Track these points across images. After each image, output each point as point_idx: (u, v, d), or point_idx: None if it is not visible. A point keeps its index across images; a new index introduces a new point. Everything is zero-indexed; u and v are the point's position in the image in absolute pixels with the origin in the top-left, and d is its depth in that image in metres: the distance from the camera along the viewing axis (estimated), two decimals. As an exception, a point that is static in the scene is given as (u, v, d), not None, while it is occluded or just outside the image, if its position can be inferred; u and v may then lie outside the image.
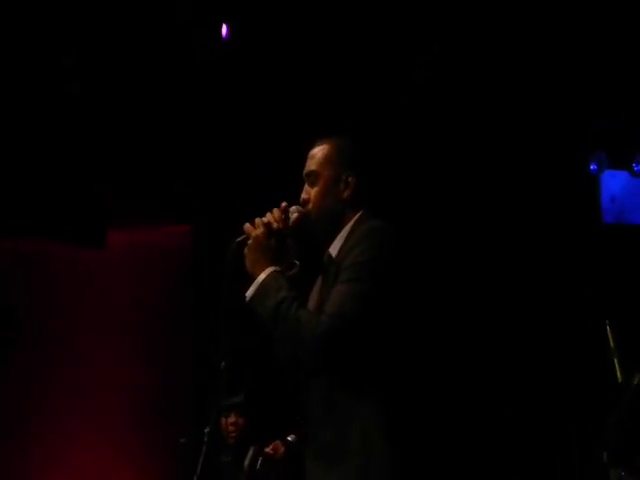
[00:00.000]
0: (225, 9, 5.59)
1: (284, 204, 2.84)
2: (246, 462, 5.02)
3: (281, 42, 5.75)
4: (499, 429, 6.28)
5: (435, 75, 6.02)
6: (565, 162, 6.36)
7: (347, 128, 5.74)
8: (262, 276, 2.72)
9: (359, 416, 2.64)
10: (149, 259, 6.91)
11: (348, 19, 5.65)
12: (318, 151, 2.91)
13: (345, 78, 5.95)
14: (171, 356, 6.74)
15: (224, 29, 5.50)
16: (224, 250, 2.83)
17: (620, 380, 4.46)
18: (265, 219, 2.81)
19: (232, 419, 5.33)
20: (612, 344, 4.55)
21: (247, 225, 2.81)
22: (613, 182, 6.58)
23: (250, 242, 2.78)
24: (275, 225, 2.80)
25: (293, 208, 2.86)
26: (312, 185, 2.88)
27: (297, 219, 2.83)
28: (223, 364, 2.87)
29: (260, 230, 2.78)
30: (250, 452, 5.06)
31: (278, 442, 4.92)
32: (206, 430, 3.83)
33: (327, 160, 2.88)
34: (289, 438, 4.89)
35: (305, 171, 2.91)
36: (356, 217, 2.85)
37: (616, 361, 4.50)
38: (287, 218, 2.84)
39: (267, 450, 4.92)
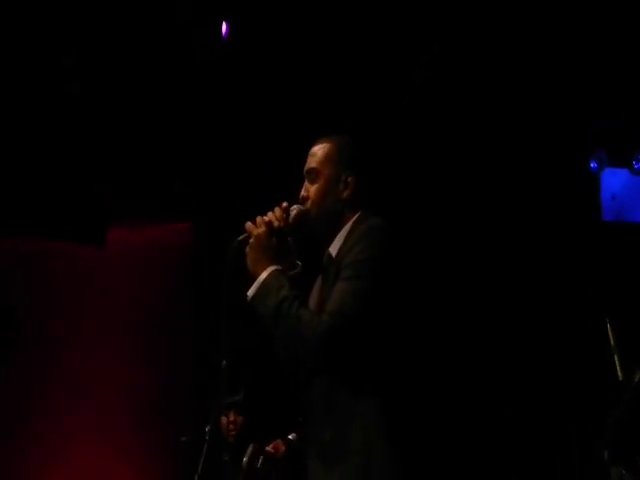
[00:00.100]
0: (225, 9, 5.59)
1: (285, 204, 2.85)
2: (245, 459, 5.01)
3: (281, 42, 5.75)
4: (499, 428, 6.28)
5: (435, 75, 6.01)
6: (565, 160, 6.36)
7: (347, 128, 5.77)
8: (263, 275, 2.72)
9: (359, 416, 2.64)
10: (149, 259, 6.91)
11: (348, 19, 5.65)
12: (319, 149, 2.91)
13: (345, 78, 5.95)
14: (171, 356, 6.73)
15: (224, 28, 5.50)
16: (225, 249, 2.83)
17: (621, 378, 4.46)
18: (266, 218, 2.82)
19: (231, 418, 5.33)
20: (612, 342, 4.55)
21: (249, 224, 2.82)
22: (613, 180, 6.58)
23: (251, 241, 2.78)
24: (276, 223, 2.80)
25: (294, 207, 2.86)
26: (312, 183, 2.89)
27: (297, 215, 2.84)
28: (224, 363, 2.87)
29: (262, 229, 2.79)
30: (249, 450, 5.06)
31: (279, 441, 4.91)
32: (207, 429, 3.83)
33: (328, 159, 2.89)
34: (290, 437, 4.88)
35: (305, 168, 2.92)
36: (355, 217, 2.86)
37: (616, 359, 4.50)
38: (288, 217, 2.84)
39: (268, 449, 4.92)
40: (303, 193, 2.90)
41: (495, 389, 6.33)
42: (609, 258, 6.26)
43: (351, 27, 5.69)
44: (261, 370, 5.52)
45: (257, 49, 5.77)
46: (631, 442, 4.20)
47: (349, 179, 2.87)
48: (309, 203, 2.87)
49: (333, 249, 2.84)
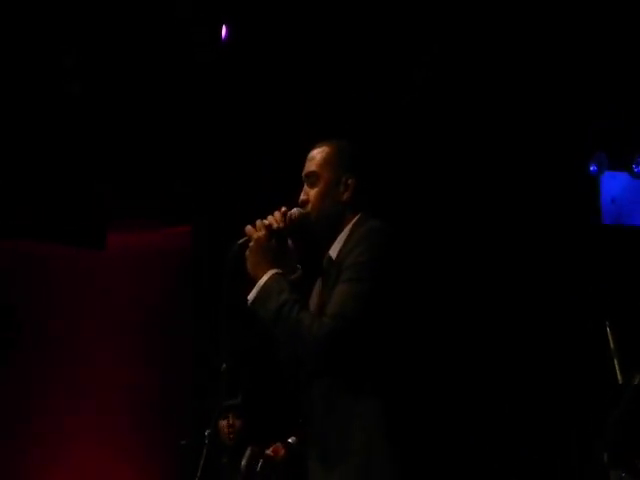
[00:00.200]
0: (225, 9, 5.58)
1: (284, 209, 2.85)
2: (243, 462, 5.02)
3: (281, 42, 5.75)
4: (499, 429, 6.28)
5: (435, 75, 6.01)
6: (565, 163, 6.36)
7: (347, 128, 5.78)
8: (264, 279, 2.72)
9: (359, 416, 2.64)
10: (149, 259, 6.91)
11: (348, 19, 5.64)
12: (318, 153, 2.91)
13: (345, 78, 5.95)
14: (171, 356, 6.74)
15: (224, 30, 5.49)
16: (225, 251, 2.83)
17: (620, 381, 4.46)
18: (266, 221, 2.82)
19: (229, 421, 5.33)
20: (612, 345, 4.55)
21: (248, 227, 2.81)
22: (613, 183, 6.57)
23: (251, 244, 2.78)
24: (275, 225, 2.80)
25: (294, 210, 2.86)
26: (311, 186, 2.88)
27: (297, 218, 2.83)
28: (224, 366, 2.87)
29: (262, 232, 2.78)
30: (247, 452, 5.06)
31: (278, 444, 4.92)
32: (207, 432, 3.83)
33: (327, 162, 2.88)
34: (289, 440, 4.89)
35: (305, 172, 2.91)
36: (355, 219, 2.85)
37: (616, 362, 4.50)
38: (288, 220, 2.84)
39: (267, 452, 4.92)
40: (303, 197, 2.89)
41: (495, 390, 6.33)
42: (609, 261, 6.25)
43: (351, 27, 5.69)
44: (261, 373, 5.52)
45: (257, 49, 5.76)
46: (631, 444, 4.21)
47: (349, 181, 2.86)
48: (309, 206, 2.86)
49: (333, 252, 2.83)
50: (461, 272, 6.39)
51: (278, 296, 2.67)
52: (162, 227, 6.99)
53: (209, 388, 5.02)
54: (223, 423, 5.31)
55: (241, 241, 2.81)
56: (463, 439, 6.20)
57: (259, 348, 4.33)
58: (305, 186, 2.90)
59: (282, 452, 4.89)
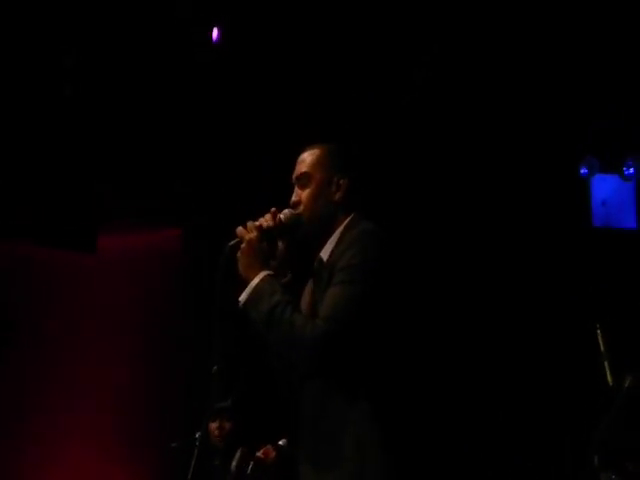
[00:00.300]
0: (224, 9, 5.58)
1: (273, 209, 2.83)
2: (233, 464, 5.01)
3: (280, 42, 5.74)
4: (493, 436, 6.27)
5: (435, 75, 6.00)
6: (556, 166, 6.35)
7: (347, 128, 5.77)
8: (256, 280, 2.71)
9: (353, 422, 2.63)
10: (146, 260, 6.91)
11: (348, 19, 5.64)
12: (309, 155, 2.90)
13: (345, 78, 5.94)
14: (168, 358, 6.74)
15: (215, 32, 5.48)
16: (219, 252, 2.82)
17: (611, 384, 4.45)
18: (257, 223, 2.81)
19: (218, 424, 5.32)
20: (603, 348, 4.54)
21: (240, 229, 2.80)
22: (604, 186, 6.56)
23: (243, 246, 2.77)
24: (265, 224, 2.79)
25: (285, 211, 2.85)
26: (303, 188, 2.87)
27: (288, 219, 2.82)
28: (215, 368, 2.86)
29: (253, 234, 2.77)
30: (237, 454, 5.06)
31: (269, 447, 4.91)
32: (197, 435, 3.82)
33: (318, 162, 2.88)
34: (280, 442, 4.88)
35: (295, 174, 2.90)
36: (347, 221, 2.84)
37: (607, 364, 4.49)
38: (279, 221, 2.83)
39: (258, 454, 4.91)
40: (294, 199, 2.88)
41: (488, 397, 6.32)
42: (599, 264, 6.24)
43: (351, 27, 5.68)
44: (253, 375, 5.52)
45: (256, 49, 5.76)
46: (621, 448, 4.20)
47: (341, 181, 2.85)
48: (301, 207, 2.85)
49: (324, 253, 2.82)
50: (453, 274, 6.38)
51: (270, 298, 2.66)
52: (159, 228, 6.98)
53: (201, 390, 5.02)
54: (213, 425, 5.31)
55: (232, 243, 2.80)
56: (457, 446, 6.19)
57: (251, 350, 4.31)
58: (296, 188, 2.89)
59: (273, 454, 4.89)
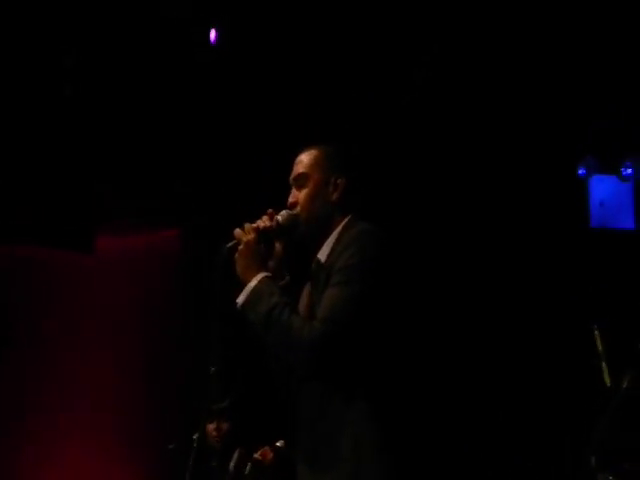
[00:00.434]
0: (223, 10, 5.58)
1: (270, 210, 2.84)
2: (231, 465, 5.02)
3: (280, 42, 5.74)
4: (492, 436, 6.27)
5: (435, 75, 6.00)
6: (553, 166, 6.35)
7: (347, 128, 5.77)
8: (253, 282, 2.72)
9: (350, 423, 2.63)
10: (145, 260, 6.90)
11: (348, 19, 5.64)
12: (306, 156, 2.91)
13: (345, 78, 5.94)
14: (168, 358, 6.73)
15: (212, 33, 5.49)
16: (216, 254, 2.83)
17: (609, 384, 4.46)
18: (255, 224, 2.81)
19: (215, 425, 5.32)
20: (600, 348, 4.55)
21: (237, 230, 2.81)
22: (601, 187, 6.56)
23: (241, 247, 2.77)
24: (262, 225, 2.79)
25: (283, 212, 2.85)
26: (300, 188, 2.88)
27: (286, 220, 2.82)
28: (212, 369, 2.87)
29: (250, 235, 2.78)
30: (235, 455, 5.06)
31: (267, 448, 4.91)
32: (195, 436, 3.81)
33: (316, 163, 2.88)
34: (278, 444, 4.88)
35: (293, 175, 2.91)
36: (344, 222, 2.84)
37: (604, 365, 4.50)
38: (276, 222, 2.84)
39: (256, 456, 4.92)
40: (291, 199, 2.88)
41: (488, 397, 6.32)
42: (597, 265, 6.24)
43: (351, 27, 5.68)
44: (250, 377, 5.52)
45: (256, 49, 5.76)
46: (618, 448, 4.20)
47: (338, 181, 2.86)
48: (298, 208, 2.85)
49: (322, 255, 2.82)
50: (451, 275, 6.38)
51: (268, 299, 2.66)
52: (159, 228, 6.98)
53: (200, 390, 5.01)
54: (210, 427, 5.31)
55: (230, 244, 2.81)
56: (456, 447, 6.19)
57: (249, 352, 4.31)
58: (293, 189, 2.90)
59: (270, 456, 4.89)
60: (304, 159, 2.90)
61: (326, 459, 2.66)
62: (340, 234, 2.81)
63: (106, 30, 5.51)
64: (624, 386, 4.27)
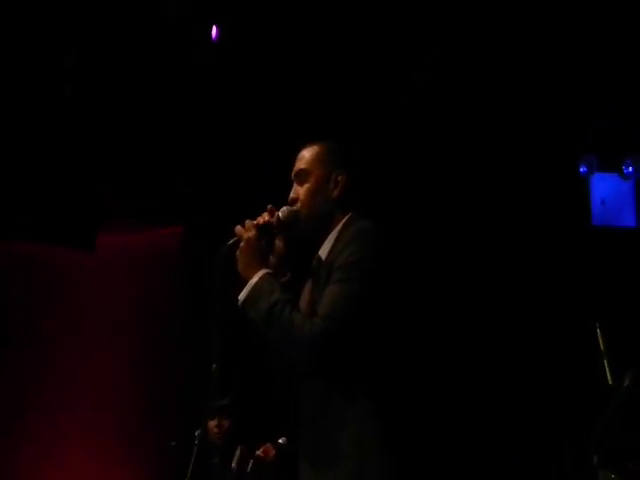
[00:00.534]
0: (223, 9, 5.58)
1: (270, 206, 2.84)
2: (234, 463, 5.02)
3: (280, 42, 5.74)
4: (493, 435, 6.27)
5: (435, 75, 6.00)
6: (555, 164, 6.35)
7: (347, 128, 5.76)
8: (254, 279, 2.71)
9: (352, 420, 2.63)
10: (145, 259, 6.90)
11: (348, 19, 5.64)
12: (307, 151, 2.91)
13: (345, 78, 5.94)
14: (168, 357, 6.73)
15: (214, 31, 5.49)
16: (217, 251, 2.82)
17: (611, 383, 4.45)
18: (255, 221, 2.81)
19: (217, 422, 5.32)
20: (602, 347, 4.54)
21: (238, 227, 2.81)
22: (603, 185, 6.56)
23: (242, 245, 2.77)
24: (262, 220, 2.79)
25: (283, 208, 2.85)
26: (301, 184, 2.87)
27: (286, 216, 2.82)
28: (214, 366, 2.87)
29: (251, 232, 2.77)
30: (237, 453, 5.07)
31: (269, 445, 4.92)
32: (197, 433, 3.83)
33: (317, 159, 2.88)
34: (280, 441, 4.89)
35: (294, 171, 2.91)
36: (345, 219, 2.84)
37: (606, 363, 4.50)
38: (277, 218, 2.84)
39: (258, 453, 4.92)
40: (292, 195, 2.88)
41: (489, 396, 6.32)
42: (598, 263, 6.24)
43: (351, 27, 5.68)
44: (252, 374, 5.52)
45: (256, 49, 5.76)
46: (620, 447, 4.20)
47: (339, 178, 2.85)
48: (299, 204, 2.85)
49: (323, 252, 2.82)
50: (452, 273, 6.39)
51: (269, 296, 2.66)
52: (159, 227, 6.98)
53: (201, 390, 5.02)
54: (212, 424, 5.31)
55: (231, 242, 2.80)
56: (457, 445, 6.19)
57: (248, 350, 4.32)
58: (295, 185, 2.90)
59: (272, 453, 4.90)
60: (306, 155, 2.90)
61: (328, 456, 2.65)
62: (341, 232, 2.81)
63: (106, 30, 5.50)
64: (626, 385, 4.26)
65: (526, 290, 6.29)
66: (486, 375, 6.28)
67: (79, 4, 5.40)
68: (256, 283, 2.70)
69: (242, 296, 2.72)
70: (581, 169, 6.40)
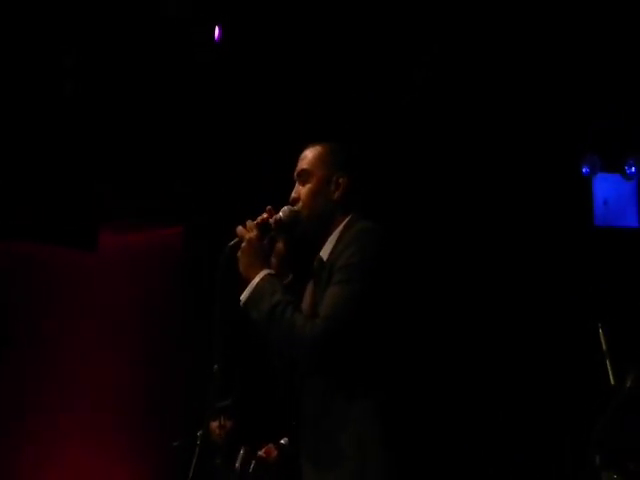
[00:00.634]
0: (223, 9, 5.58)
1: (269, 207, 2.83)
2: (237, 464, 5.02)
3: (280, 42, 5.74)
4: (494, 434, 6.27)
5: (435, 75, 6.00)
6: (557, 165, 6.35)
7: (347, 128, 5.76)
8: (256, 279, 2.71)
9: (354, 421, 2.63)
10: (146, 260, 6.90)
11: (348, 19, 5.63)
12: (310, 152, 2.91)
13: (345, 78, 5.94)
14: (168, 357, 6.73)
15: (217, 30, 5.48)
16: (219, 251, 2.82)
17: (613, 383, 4.45)
18: (256, 221, 2.81)
19: (220, 422, 5.32)
20: (604, 347, 4.54)
21: (240, 228, 2.80)
22: (605, 185, 6.56)
23: (243, 245, 2.77)
24: (259, 219, 2.79)
25: (284, 208, 2.84)
26: (303, 184, 2.87)
27: (287, 215, 2.82)
28: (216, 367, 2.86)
29: (253, 233, 2.77)
30: (241, 453, 5.06)
31: (271, 445, 4.92)
32: (199, 433, 3.82)
33: (319, 160, 2.88)
34: (282, 441, 4.88)
35: (296, 170, 2.91)
36: (346, 220, 2.83)
37: (609, 364, 4.49)
38: (278, 218, 2.83)
39: (260, 453, 4.92)
40: (294, 195, 2.88)
41: (490, 395, 6.32)
42: (601, 263, 6.25)
43: (351, 27, 5.68)
44: (253, 374, 5.52)
45: (256, 49, 5.75)
46: (622, 447, 4.19)
47: (340, 180, 2.85)
48: (300, 204, 2.85)
49: (324, 253, 2.82)
50: (454, 273, 6.38)
51: (271, 297, 2.66)
52: (160, 227, 6.98)
53: (201, 390, 5.02)
54: (214, 424, 5.31)
55: (232, 242, 2.80)
56: (458, 444, 6.19)
57: (251, 350, 4.32)
58: (296, 185, 2.90)
59: (274, 453, 4.89)
60: (308, 155, 2.90)
61: (330, 457, 2.65)
62: (342, 233, 2.80)
63: (106, 30, 5.50)
64: (628, 385, 4.26)
65: (528, 290, 6.29)
66: (487, 375, 6.28)
67: (79, 4, 5.39)
68: (258, 284, 2.70)
69: (244, 297, 2.71)
70: (584, 169, 6.41)
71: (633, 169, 6.45)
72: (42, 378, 6.54)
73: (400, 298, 2.74)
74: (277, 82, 5.96)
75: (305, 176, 2.87)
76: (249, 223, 2.80)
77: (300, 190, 2.87)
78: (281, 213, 2.83)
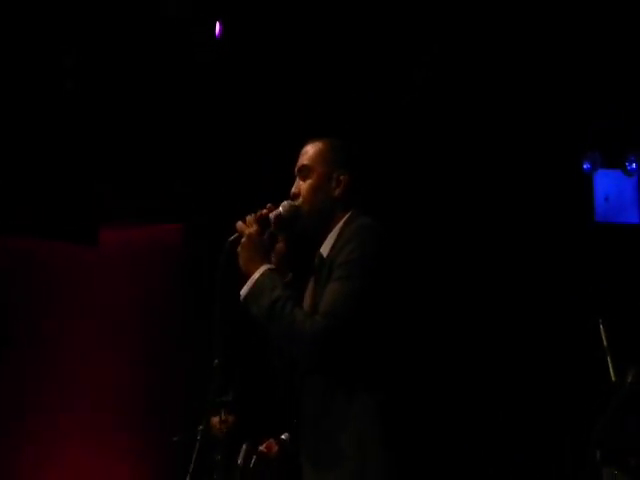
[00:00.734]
0: (223, 8, 5.58)
1: (269, 205, 2.83)
2: (239, 460, 5.01)
3: (280, 42, 5.74)
4: (494, 433, 6.26)
5: (435, 75, 6.00)
6: (558, 161, 6.36)
7: (347, 128, 5.77)
8: (256, 275, 2.70)
9: (353, 419, 2.62)
10: (146, 258, 6.90)
11: (348, 19, 5.64)
12: (311, 147, 2.90)
13: (345, 78, 5.94)
14: (168, 355, 6.73)
15: (217, 27, 5.49)
16: (219, 248, 2.82)
17: (614, 379, 4.45)
18: (256, 216, 2.81)
19: (221, 417, 5.31)
20: (605, 343, 4.54)
21: (239, 223, 2.80)
22: (606, 181, 6.57)
23: (243, 240, 2.76)
24: (258, 213, 2.79)
25: (284, 203, 2.84)
26: (304, 179, 2.87)
27: (287, 210, 2.82)
28: (216, 362, 2.86)
29: (253, 228, 2.77)
30: (243, 449, 5.06)
31: (272, 441, 4.91)
32: (199, 428, 3.81)
33: (320, 156, 2.88)
34: (283, 437, 4.88)
35: (297, 166, 2.90)
36: (346, 217, 2.83)
37: (609, 360, 4.49)
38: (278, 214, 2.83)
39: (261, 449, 4.91)
40: (294, 190, 2.88)
41: (490, 394, 6.32)
42: (602, 259, 6.25)
43: (351, 27, 5.68)
44: (254, 370, 5.51)
45: (256, 49, 5.76)
46: (624, 442, 4.19)
47: (341, 177, 2.85)
48: (300, 199, 2.85)
49: (324, 249, 2.82)
50: (453, 270, 6.38)
51: (271, 292, 2.65)
52: (160, 225, 6.98)
53: (201, 389, 5.01)
54: (215, 419, 5.31)
55: (232, 238, 2.80)
56: (458, 443, 6.18)
57: (252, 345, 4.31)
58: (297, 180, 2.90)
59: (275, 448, 4.89)
60: (309, 150, 2.89)
61: (330, 457, 2.64)
62: (342, 229, 2.80)
63: (106, 29, 5.50)
64: (629, 381, 4.26)
65: (529, 287, 6.29)
66: (487, 373, 6.28)
67: (79, 4, 5.40)
68: (258, 279, 2.69)
69: (244, 292, 2.71)
70: (584, 166, 6.41)
71: (634, 165, 6.45)
72: (42, 378, 6.54)
73: (400, 295, 2.74)
74: (277, 82, 5.96)
75: (306, 172, 2.86)
76: (249, 218, 2.80)
77: (301, 185, 2.86)
78: (281, 208, 2.82)
